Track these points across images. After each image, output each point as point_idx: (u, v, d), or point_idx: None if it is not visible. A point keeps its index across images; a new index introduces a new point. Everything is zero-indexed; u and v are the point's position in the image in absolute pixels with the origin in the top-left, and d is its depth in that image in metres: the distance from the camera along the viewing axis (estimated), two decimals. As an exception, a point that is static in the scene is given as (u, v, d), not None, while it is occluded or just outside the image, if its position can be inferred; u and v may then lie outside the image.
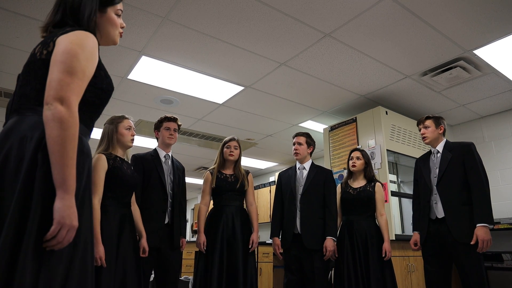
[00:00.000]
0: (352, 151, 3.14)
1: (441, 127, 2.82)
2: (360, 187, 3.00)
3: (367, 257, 2.80)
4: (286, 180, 3.18)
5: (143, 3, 2.73)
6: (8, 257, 0.91)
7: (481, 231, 2.42)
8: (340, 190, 3.11)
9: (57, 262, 1.00)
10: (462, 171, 2.61)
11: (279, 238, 3.09)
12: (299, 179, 3.11)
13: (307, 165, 3.15)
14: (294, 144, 3.18)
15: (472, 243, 2.43)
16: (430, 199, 2.71)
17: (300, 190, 3.05)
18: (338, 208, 3.09)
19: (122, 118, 2.46)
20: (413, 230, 2.87)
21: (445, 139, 2.83)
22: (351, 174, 3.13)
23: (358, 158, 3.06)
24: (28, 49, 3.34)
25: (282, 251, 3.06)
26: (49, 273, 0.97)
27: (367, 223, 2.92)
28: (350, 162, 3.09)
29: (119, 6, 1.34)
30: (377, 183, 3.01)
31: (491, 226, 2.46)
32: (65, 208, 0.99)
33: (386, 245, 2.82)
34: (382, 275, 2.77)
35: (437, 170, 2.71)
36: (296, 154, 3.15)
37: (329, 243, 2.87)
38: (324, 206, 3.01)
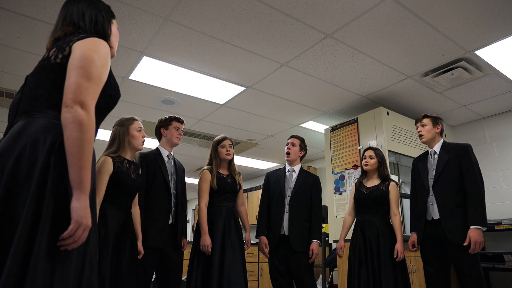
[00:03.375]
0: (366, 149, 3.12)
1: (439, 127, 2.82)
2: (373, 186, 2.98)
3: (379, 257, 2.78)
4: (274, 181, 3.18)
5: (144, 4, 2.74)
6: (22, 258, 0.94)
7: (474, 232, 2.45)
8: (354, 189, 3.10)
9: (70, 261, 1.03)
10: (458, 173, 2.63)
11: (266, 237, 3.09)
12: (288, 181, 3.12)
13: (297, 168, 3.17)
14: (287, 144, 3.19)
15: (465, 244, 2.45)
16: (427, 200, 2.73)
17: (289, 192, 3.06)
18: (351, 207, 3.10)
19: (132, 120, 2.43)
20: (411, 230, 2.87)
21: (442, 140, 2.83)
22: (365, 173, 3.11)
23: (371, 157, 3.04)
24: (30, 50, 3.37)
25: (269, 251, 3.06)
26: (64, 272, 1.00)
27: (380, 223, 2.89)
28: (363, 161, 3.06)
29: (116, 22, 1.45)
30: (392, 183, 2.97)
31: (484, 229, 2.48)
32: (82, 208, 1.02)
33: (398, 246, 2.78)
34: (393, 276, 2.73)
35: (434, 171, 2.73)
36: (287, 154, 3.16)
37: (315, 246, 2.92)
38: (310, 209, 3.03)
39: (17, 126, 1.13)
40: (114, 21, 1.41)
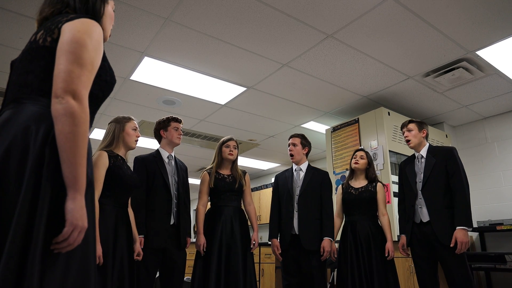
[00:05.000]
0: (356, 150, 3.17)
1: (424, 131, 2.89)
2: (362, 187, 3.01)
3: (370, 258, 2.81)
4: (283, 182, 3.18)
5: (145, 4, 2.74)
6: (17, 261, 0.86)
7: (460, 233, 2.51)
8: (341, 190, 3.11)
9: (58, 263, 0.94)
10: (445, 176, 2.70)
11: (277, 239, 3.09)
12: (296, 181, 3.11)
13: (304, 166, 3.15)
14: (289, 145, 3.19)
15: (451, 245, 2.51)
16: (415, 203, 2.78)
17: (297, 191, 3.05)
18: (339, 208, 3.10)
19: (129, 119, 2.46)
20: (400, 233, 2.91)
21: (428, 144, 2.89)
22: (352, 174, 3.13)
23: (361, 157, 3.07)
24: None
25: (281, 252, 3.06)
26: (53, 275, 0.92)
27: (370, 223, 2.92)
28: (353, 160, 3.09)
29: (113, 2, 1.33)
30: (379, 183, 3.03)
31: (470, 229, 2.55)
32: (77, 209, 0.94)
33: (389, 245, 2.84)
34: (385, 276, 2.78)
35: (422, 175, 2.79)
36: (291, 155, 3.16)
37: (327, 243, 2.88)
38: (320, 207, 3.01)
39: (5, 114, 1.02)
40: (110, 1, 1.27)
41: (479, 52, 3.36)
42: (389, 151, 4.10)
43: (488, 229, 4.30)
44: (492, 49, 3.31)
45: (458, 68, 3.60)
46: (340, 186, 3.16)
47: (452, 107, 4.60)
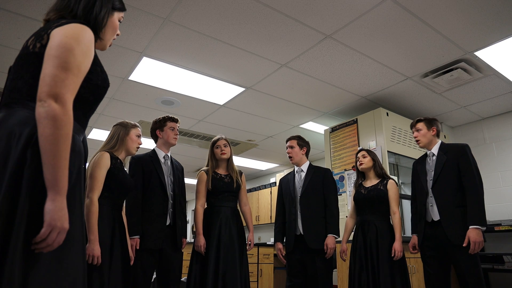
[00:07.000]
0: (357, 152, 3.15)
1: (434, 129, 2.81)
2: (372, 186, 2.98)
3: (378, 258, 2.78)
4: (285, 185, 3.20)
5: (144, 4, 2.74)
6: None
7: (473, 233, 2.44)
8: (354, 191, 3.10)
9: (43, 263, 0.96)
10: (457, 173, 2.63)
11: (281, 242, 3.09)
12: (298, 182, 3.12)
13: (305, 167, 3.15)
14: (287, 148, 3.20)
15: (464, 245, 2.44)
16: (426, 202, 2.73)
17: (299, 192, 3.05)
18: (352, 209, 3.10)
19: (135, 125, 2.49)
20: (412, 232, 2.87)
21: (439, 141, 2.83)
22: (362, 175, 3.11)
23: (364, 156, 3.06)
24: (30, 50, 3.36)
25: (285, 254, 3.05)
26: (37, 276, 0.93)
27: (380, 222, 2.88)
28: (358, 162, 3.08)
29: (122, 14, 1.34)
30: (390, 181, 2.98)
31: (484, 228, 2.47)
32: (56, 210, 0.94)
33: (396, 245, 2.77)
34: (392, 276, 2.72)
35: (433, 173, 2.73)
36: (290, 158, 3.17)
37: (330, 240, 2.87)
38: (324, 205, 3.00)
39: None
40: (116, 13, 1.29)
41: (477, 53, 3.37)
42: (388, 151, 4.10)
43: (486, 230, 4.30)
44: (490, 50, 3.32)
45: (456, 68, 3.60)
46: (353, 187, 3.15)
47: (450, 107, 4.61)
